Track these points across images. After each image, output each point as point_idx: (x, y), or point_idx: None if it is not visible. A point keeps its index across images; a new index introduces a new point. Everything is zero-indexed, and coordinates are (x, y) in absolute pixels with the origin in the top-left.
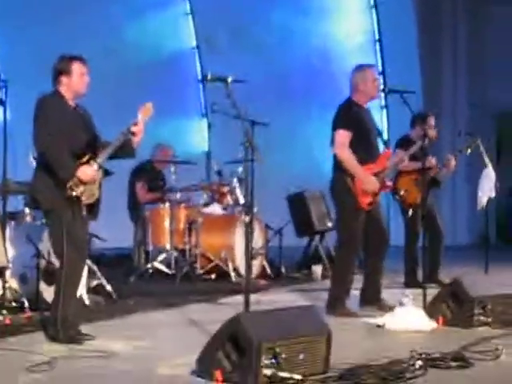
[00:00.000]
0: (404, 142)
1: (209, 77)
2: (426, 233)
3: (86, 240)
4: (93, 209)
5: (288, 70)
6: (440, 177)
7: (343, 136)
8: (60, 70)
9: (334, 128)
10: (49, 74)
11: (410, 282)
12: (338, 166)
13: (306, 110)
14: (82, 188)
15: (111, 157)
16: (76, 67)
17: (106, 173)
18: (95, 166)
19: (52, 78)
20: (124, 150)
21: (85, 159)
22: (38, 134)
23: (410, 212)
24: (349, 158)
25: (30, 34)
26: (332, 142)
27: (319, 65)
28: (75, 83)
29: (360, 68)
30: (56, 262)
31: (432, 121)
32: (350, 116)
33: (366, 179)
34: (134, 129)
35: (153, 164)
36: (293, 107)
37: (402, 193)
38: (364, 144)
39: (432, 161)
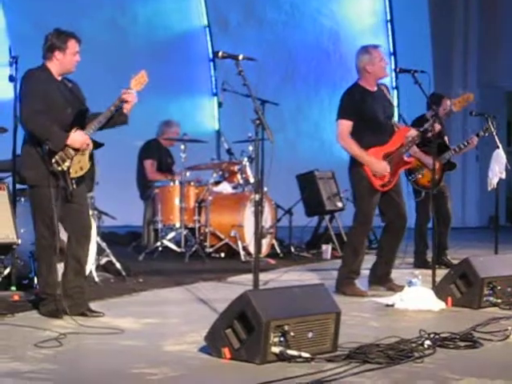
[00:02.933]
0: (420, 122)
1: (220, 54)
2: (435, 214)
3: (81, 217)
4: (84, 181)
5: (298, 49)
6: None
7: (344, 125)
8: (55, 45)
9: (337, 118)
10: None
11: (420, 263)
12: None
13: (315, 90)
14: (68, 162)
15: (103, 127)
16: (71, 45)
17: (97, 145)
18: None
19: (44, 50)
20: (116, 119)
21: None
22: (24, 109)
23: (423, 194)
24: (351, 147)
25: (39, 10)
26: None
27: (329, 45)
28: (67, 61)
29: (365, 49)
30: (65, 239)
31: (447, 103)
32: (351, 104)
33: (371, 164)
34: (125, 96)
35: (159, 141)
36: (302, 87)
37: (414, 174)
38: (370, 129)
39: (430, 161)
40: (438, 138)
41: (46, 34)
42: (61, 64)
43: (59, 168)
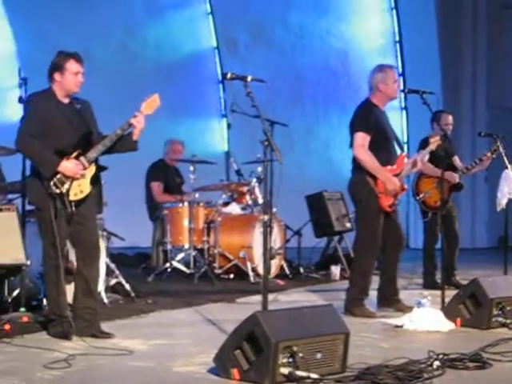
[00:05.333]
0: (426, 144)
1: (228, 75)
2: (443, 235)
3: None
4: (88, 203)
5: (307, 70)
6: (469, 174)
7: (362, 138)
8: (55, 67)
9: (353, 130)
10: None
11: (429, 284)
12: (358, 167)
13: (323, 111)
14: (67, 185)
15: (111, 151)
16: (70, 66)
17: (101, 168)
18: (85, 163)
19: (47, 73)
20: (124, 143)
21: (73, 156)
22: (19, 133)
23: (430, 214)
24: (370, 160)
25: (48, 32)
26: (351, 144)
27: (338, 66)
28: (67, 82)
29: (381, 68)
30: (75, 261)
31: (447, 119)
32: (369, 118)
33: (388, 180)
34: (132, 120)
35: (164, 161)
36: (311, 108)
37: (422, 195)
38: (383, 146)
39: (453, 176)
40: (447, 159)
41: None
42: (61, 85)
43: (57, 190)
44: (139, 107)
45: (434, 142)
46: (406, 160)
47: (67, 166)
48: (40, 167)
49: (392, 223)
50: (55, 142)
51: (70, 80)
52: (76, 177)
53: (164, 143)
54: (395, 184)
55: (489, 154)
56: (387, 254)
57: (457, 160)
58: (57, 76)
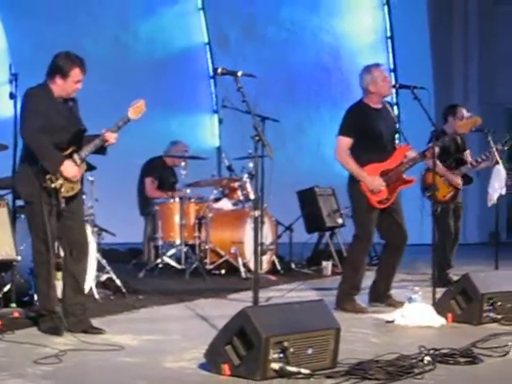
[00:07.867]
0: (438, 136)
1: (219, 70)
2: (434, 231)
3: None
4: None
5: (298, 66)
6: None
7: (342, 142)
8: (58, 69)
9: (337, 134)
10: None
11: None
12: None
13: (315, 107)
14: (61, 180)
15: None
16: (74, 73)
17: (90, 167)
18: (77, 160)
19: (48, 70)
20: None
21: (68, 152)
22: (25, 127)
23: (439, 209)
24: (347, 163)
25: (39, 28)
26: None
27: (330, 62)
28: (67, 87)
29: (367, 69)
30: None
31: (462, 112)
32: (352, 122)
33: (367, 180)
34: (108, 135)
35: (163, 160)
36: (303, 104)
37: (430, 190)
38: (370, 146)
39: (457, 180)
40: (457, 152)
41: (56, 53)
42: (60, 88)
43: (52, 185)
44: (126, 111)
45: (465, 126)
46: (409, 152)
47: (68, 168)
48: (45, 162)
49: (392, 221)
50: (52, 137)
51: (71, 86)
52: (72, 180)
53: (170, 143)
54: (375, 184)
55: (498, 147)
56: (387, 252)
57: (468, 154)
58: (58, 79)
